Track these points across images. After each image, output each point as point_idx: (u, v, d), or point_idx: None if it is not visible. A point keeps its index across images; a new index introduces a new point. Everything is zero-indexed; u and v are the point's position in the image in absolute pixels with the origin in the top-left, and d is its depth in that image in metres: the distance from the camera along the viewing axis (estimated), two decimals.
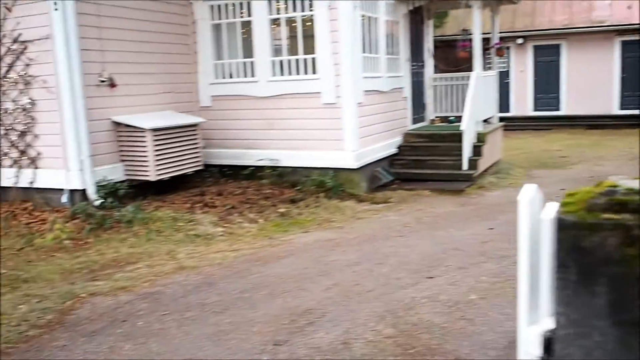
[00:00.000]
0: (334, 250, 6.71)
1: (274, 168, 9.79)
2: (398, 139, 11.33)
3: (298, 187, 9.39)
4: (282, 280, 5.73)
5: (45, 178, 8.51)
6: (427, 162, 10.78)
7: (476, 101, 10.79)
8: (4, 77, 8.58)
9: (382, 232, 7.46)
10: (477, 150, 10.71)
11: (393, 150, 11.05)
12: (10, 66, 8.52)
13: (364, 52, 9.81)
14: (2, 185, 8.86)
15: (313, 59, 9.55)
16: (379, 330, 4.50)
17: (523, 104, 20.15)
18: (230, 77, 10.32)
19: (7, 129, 8.71)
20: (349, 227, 7.82)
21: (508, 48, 19.31)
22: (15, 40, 8.40)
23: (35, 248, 7.51)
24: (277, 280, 5.72)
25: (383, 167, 10.55)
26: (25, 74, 8.41)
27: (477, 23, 11.11)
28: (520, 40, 19.74)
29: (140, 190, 8.95)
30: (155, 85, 9.62)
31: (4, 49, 8.51)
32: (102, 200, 8.23)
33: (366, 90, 9.89)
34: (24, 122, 8.55)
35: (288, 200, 8.96)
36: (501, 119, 13.57)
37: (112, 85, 8.72)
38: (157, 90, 9.66)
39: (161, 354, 4.29)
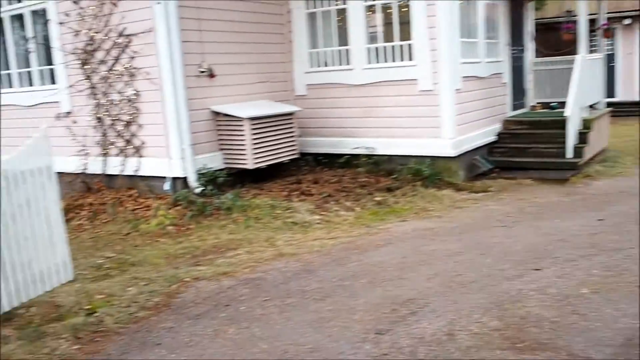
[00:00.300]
0: (433, 239, 6.57)
1: (369, 156, 9.71)
2: (497, 126, 10.97)
3: (394, 176, 9.27)
4: (381, 268, 5.66)
5: (149, 166, 8.81)
6: (528, 150, 10.37)
7: (581, 86, 10.27)
8: (111, 69, 8.94)
9: (482, 222, 7.24)
10: (582, 138, 10.20)
11: (492, 137, 10.70)
12: (116, 59, 8.86)
13: (462, 37, 9.53)
14: (109, 173, 9.26)
15: (409, 45, 9.37)
16: (485, 322, 4.35)
17: (630, 88, 19.03)
18: (325, 65, 10.30)
19: (113, 120, 9.08)
20: (447, 217, 7.63)
21: (614, 29, 18.27)
22: (120, 34, 8.72)
23: (140, 233, 7.80)
24: (376, 269, 5.66)
25: (481, 155, 10.24)
26: (130, 66, 8.72)
27: (582, 3, 10.54)
28: (627, 21, 18.64)
29: (239, 178, 9.11)
30: (251, 75, 9.75)
31: (110, 43, 8.86)
32: (203, 188, 8.43)
33: (464, 77, 9.61)
34: (129, 112, 8.88)
35: (384, 188, 8.87)
36: (608, 105, 12.87)
37: (211, 75, 8.90)
38: (254, 80, 9.79)
39: (264, 338, 4.32)
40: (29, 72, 10.35)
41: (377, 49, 9.74)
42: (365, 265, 5.80)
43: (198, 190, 8.42)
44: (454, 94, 9.24)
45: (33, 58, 10.15)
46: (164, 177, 8.63)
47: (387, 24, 9.67)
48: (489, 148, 10.61)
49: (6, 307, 4.80)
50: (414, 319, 4.48)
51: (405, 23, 9.37)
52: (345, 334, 4.32)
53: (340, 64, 10.08)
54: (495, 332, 4.19)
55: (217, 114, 8.99)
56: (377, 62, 9.73)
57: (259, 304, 5.00)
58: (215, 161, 8.95)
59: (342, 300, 4.95)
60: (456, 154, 9.33)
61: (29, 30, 10.04)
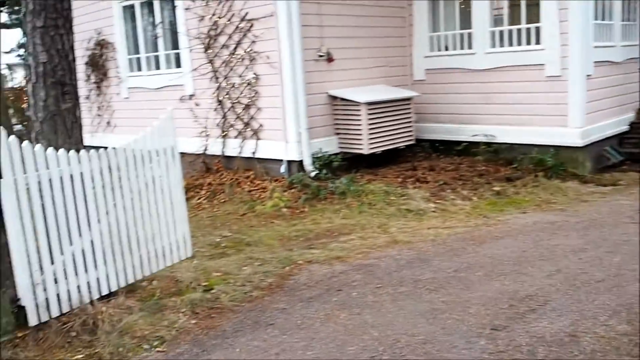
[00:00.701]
0: (555, 233, 6.21)
1: (488, 144, 9.35)
2: (630, 115, 10.21)
3: (514, 165, 8.88)
4: (498, 262, 5.42)
5: (266, 149, 8.98)
6: None
7: None
8: (232, 53, 9.16)
9: (610, 217, 6.76)
10: None
11: (623, 127, 9.97)
12: (238, 43, 9.06)
13: (595, 18, 8.91)
14: (228, 154, 9.53)
15: (537, 28, 8.88)
16: (612, 325, 4.04)
17: None
18: (446, 49, 10.01)
19: (233, 103, 9.31)
20: (572, 210, 7.20)
21: None
22: (242, 19, 8.90)
23: (256, 214, 7.97)
24: (493, 262, 5.43)
25: (611, 146, 9.58)
26: (250, 50, 8.89)
27: None
28: None
29: (353, 163, 9.08)
30: (369, 59, 9.65)
31: (232, 27, 9.07)
32: (317, 172, 8.47)
33: (596, 62, 8.99)
34: (248, 95, 9.08)
35: (503, 178, 8.51)
36: None
37: (330, 59, 8.90)
38: (371, 64, 9.69)
39: (375, 326, 4.26)
40: (156, 57, 10.83)
41: (501, 32, 9.32)
42: (482, 257, 5.58)
43: (313, 173, 8.47)
44: (584, 80, 8.67)
45: (160, 43, 10.60)
46: (280, 160, 8.75)
47: (514, 5, 9.22)
48: (620, 139, 9.90)
49: (131, 279, 5.04)
50: (533, 317, 4.24)
51: (533, 5, 8.89)
52: (460, 327, 4.16)
53: (462, 48, 9.75)
54: (624, 336, 3.88)
55: (334, 98, 8.98)
56: (501, 46, 9.31)
57: (371, 290, 4.93)
58: (330, 145, 8.96)
59: (456, 292, 4.78)
60: (584, 144, 8.77)
61: (157, 16, 10.48)
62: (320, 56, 8.80)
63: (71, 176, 4.49)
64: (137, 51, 11.25)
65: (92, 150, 4.67)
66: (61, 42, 4.68)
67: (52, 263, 4.41)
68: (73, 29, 4.90)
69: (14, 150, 4.11)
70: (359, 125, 8.75)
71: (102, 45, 11.82)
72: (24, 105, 23.92)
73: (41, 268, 4.35)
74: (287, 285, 5.22)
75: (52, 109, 4.71)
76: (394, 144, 9.20)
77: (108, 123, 12.14)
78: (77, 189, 4.54)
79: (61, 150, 4.42)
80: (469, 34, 9.61)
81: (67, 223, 4.49)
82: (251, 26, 8.83)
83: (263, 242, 6.68)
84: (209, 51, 9.51)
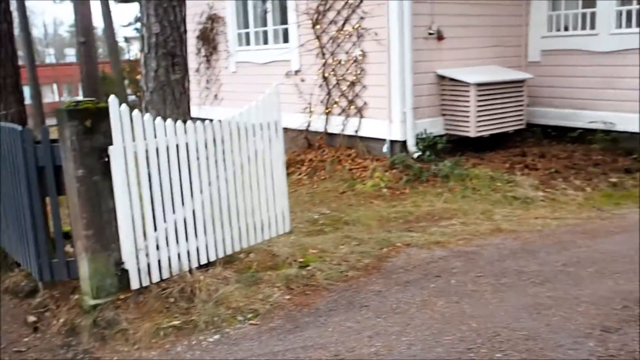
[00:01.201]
0: None
1: (607, 132, 8.74)
2: None
3: (635, 156, 8.26)
4: (612, 258, 5.04)
5: (369, 127, 8.85)
6: None
7: None
8: (340, 29, 9.05)
9: None
10: None
11: None
12: (346, 19, 8.94)
13: None
14: (330, 131, 9.48)
15: None
16: None
17: None
18: (566, 29, 9.42)
19: (338, 79, 9.23)
20: None
21: None
22: None
23: (355, 193, 7.89)
24: (606, 258, 5.06)
25: None
26: (359, 26, 8.75)
27: None
28: None
29: (457, 146, 8.79)
30: (480, 39, 9.24)
31: (341, 3, 8.95)
32: (420, 153, 8.26)
33: None
34: (354, 73, 8.96)
35: (622, 169, 7.94)
36: None
37: (440, 38, 8.60)
38: (483, 44, 9.28)
39: (474, 317, 4.07)
40: (264, 32, 10.91)
41: (629, 11, 8.63)
42: (594, 252, 5.22)
43: (416, 155, 8.27)
44: None
45: (269, 18, 10.65)
46: (383, 140, 8.61)
47: None
48: None
49: (229, 251, 5.10)
50: None
51: None
52: (566, 325, 3.90)
53: (584, 29, 9.13)
54: None
55: (442, 77, 8.70)
56: (629, 26, 8.64)
57: (471, 279, 4.73)
58: (435, 126, 8.71)
59: (564, 287, 4.49)
60: None
61: None
62: (430, 34, 8.52)
63: (177, 146, 4.57)
64: (246, 26, 11.39)
65: (198, 122, 4.72)
66: (173, 13, 4.76)
67: (155, 230, 4.53)
68: (185, 1, 4.97)
69: (124, 118, 4.22)
70: (467, 106, 8.43)
71: (213, 19, 12.05)
72: (138, 77, 25.07)
73: (144, 234, 4.47)
74: (383, 267, 5.11)
75: (162, 79, 4.81)
76: (502, 127, 8.81)
77: (215, 96, 12.41)
78: (182, 159, 4.62)
79: (169, 121, 4.50)
80: (592, 13, 8.98)
81: (171, 192, 4.58)
82: (360, 2, 8.67)
83: (361, 222, 6.60)
84: (317, 27, 9.46)
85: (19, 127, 4.47)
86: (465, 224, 6.25)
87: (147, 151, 4.39)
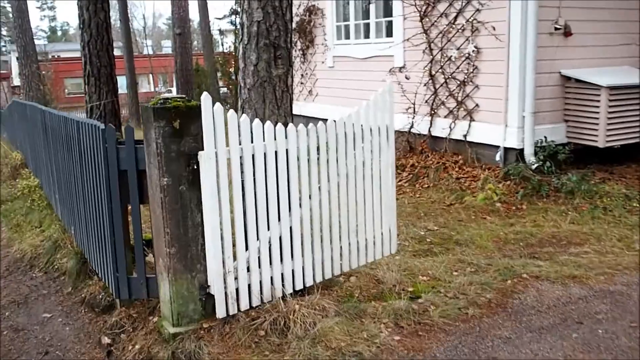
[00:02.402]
0: None
1: None
2: None
3: None
4: None
5: (480, 132, 7.96)
6: None
7: None
8: (452, 23, 8.20)
9: None
10: None
11: None
12: (459, 11, 8.08)
13: None
14: (434, 134, 8.66)
15: None
16: None
17: None
18: None
19: (447, 78, 8.39)
20: None
21: None
22: None
23: (464, 206, 7.05)
24: None
25: None
26: (473, 19, 7.88)
27: None
28: None
29: (581, 157, 7.74)
30: (614, 35, 8.12)
31: None
32: (539, 164, 7.31)
33: None
34: (465, 71, 8.10)
35: None
36: None
37: (567, 33, 7.58)
38: (615, 42, 8.15)
39: None
40: (366, 24, 10.18)
41: None
42: None
43: (534, 165, 7.32)
44: None
45: (372, 10, 9.91)
46: (496, 146, 7.70)
47: None
48: None
49: (328, 275, 4.43)
50: None
51: None
52: None
53: None
54: None
55: (567, 79, 7.68)
56: None
57: (623, 330, 3.84)
58: (556, 134, 7.70)
59: None
60: None
61: None
62: (557, 29, 7.51)
63: (276, 153, 3.93)
64: (346, 18, 10.70)
65: (301, 125, 4.05)
66: None
67: (247, 249, 3.91)
68: None
69: (217, 119, 3.60)
70: (597, 112, 7.38)
71: (311, 11, 11.44)
72: (231, 69, 24.90)
73: (234, 254, 3.86)
74: (510, 305, 4.28)
75: (263, 74, 4.16)
76: (637, 137, 7.69)
77: (310, 92, 11.81)
78: (281, 168, 3.97)
79: (268, 123, 3.85)
80: None
81: (267, 205, 3.94)
82: None
83: (475, 243, 5.77)
84: (425, 20, 8.63)
85: (101, 125, 3.96)
86: (602, 253, 5.30)
87: (241, 158, 3.77)
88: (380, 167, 4.69)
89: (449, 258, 5.29)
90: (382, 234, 4.83)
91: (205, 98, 3.53)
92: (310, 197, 4.20)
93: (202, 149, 3.59)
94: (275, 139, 3.91)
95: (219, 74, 25.66)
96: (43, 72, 25.80)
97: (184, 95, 3.64)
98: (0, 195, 9.18)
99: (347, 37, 10.66)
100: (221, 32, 29.27)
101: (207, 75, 24.79)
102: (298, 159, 4.06)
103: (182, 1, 18.07)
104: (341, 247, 4.50)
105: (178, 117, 3.50)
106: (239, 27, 4.27)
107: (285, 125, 3.95)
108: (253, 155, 3.81)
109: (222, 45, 28.17)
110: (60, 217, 6.59)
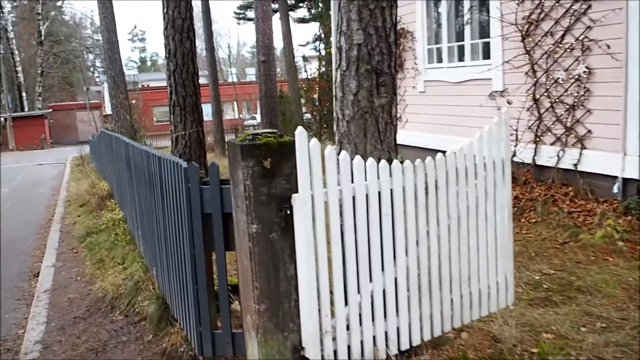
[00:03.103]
0: None
1: None
2: None
3: None
4: None
5: (593, 161, 7.17)
6: None
7: None
8: (559, 42, 7.49)
9: None
10: None
11: None
12: (567, 29, 7.36)
13: None
14: (539, 163, 7.91)
15: None
16: None
17: None
18: None
19: (553, 102, 7.65)
20: None
21: None
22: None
23: (580, 245, 6.27)
24: None
25: None
26: (584, 37, 7.14)
27: None
28: None
29: None
30: None
31: (562, 10, 7.40)
32: None
33: None
34: (575, 94, 7.34)
35: None
36: None
37: None
38: None
39: None
40: (460, 47, 9.59)
41: None
42: None
43: None
44: None
45: (467, 31, 9.31)
46: (613, 177, 6.88)
47: None
48: None
49: (437, 332, 3.84)
50: None
51: None
52: None
53: None
54: None
55: None
56: None
57: None
58: None
59: None
60: None
61: (466, 1, 9.21)
62: None
63: (379, 194, 3.41)
64: (438, 41, 10.14)
65: (407, 162, 3.52)
66: (382, 18, 3.59)
67: (346, 305, 3.39)
68: (397, 2, 3.79)
69: (314, 157, 3.12)
70: None
71: (401, 34, 10.94)
72: (315, 95, 24.73)
73: (332, 311, 3.34)
74: None
75: (364, 104, 3.66)
76: None
77: (399, 118, 11.27)
78: (385, 210, 3.44)
79: (370, 160, 3.34)
80: None
81: (369, 254, 3.42)
82: (588, 8, 7.07)
83: (600, 290, 5.01)
84: (527, 40, 7.95)
85: (184, 164, 3.57)
86: None
87: (340, 200, 3.27)
88: (495, 207, 4.08)
89: (572, 309, 4.58)
90: (497, 282, 4.20)
91: (301, 133, 3.05)
92: (417, 244, 3.64)
93: (296, 191, 3.11)
94: (378, 178, 3.39)
95: (302, 100, 25.57)
96: (133, 101, 26.54)
97: (274, 130, 3.18)
98: (88, 227, 9.11)
99: (440, 60, 10.09)
100: (305, 59, 29.27)
101: (291, 102, 24.75)
102: (404, 200, 3.52)
103: (266, 29, 18.02)
104: (452, 300, 3.91)
105: (269, 155, 3.04)
106: (335, 51, 3.79)
107: (390, 161, 3.43)
108: (353, 197, 3.31)
109: (306, 71, 28.13)
110: (142, 255, 6.31)
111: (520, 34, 8.05)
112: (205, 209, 3.49)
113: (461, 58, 9.61)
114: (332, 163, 3.20)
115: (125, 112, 16.67)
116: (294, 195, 3.11)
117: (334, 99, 3.93)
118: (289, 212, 3.12)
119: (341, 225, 3.31)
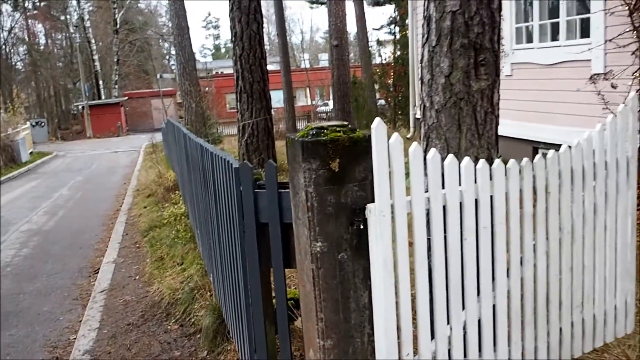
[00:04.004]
0: None
1: None
2: None
3: None
4: None
5: None
6: None
7: None
8: None
9: None
10: None
11: None
12: None
13: None
14: None
15: None
16: None
17: None
18: None
19: None
20: None
21: None
22: None
23: None
24: None
25: None
26: None
27: None
28: None
29: None
30: None
31: None
32: None
33: None
34: None
35: None
36: None
37: None
38: None
39: None
40: (553, 24, 8.63)
41: None
42: None
43: None
44: None
45: (562, 6, 8.34)
46: None
47: None
48: None
49: None
50: None
51: None
52: None
53: None
54: None
55: None
56: None
57: None
58: None
59: None
60: None
61: None
62: None
63: (475, 202, 2.72)
64: (527, 18, 9.20)
65: (512, 162, 2.80)
66: None
67: (432, 338, 2.73)
68: None
69: (395, 158, 2.46)
70: None
71: None
72: (389, 81, 23.85)
73: (415, 348, 2.69)
74: None
75: (458, 89, 2.94)
76: None
77: None
78: (483, 222, 2.75)
79: (466, 161, 2.65)
80: None
81: (462, 277, 2.74)
82: None
83: None
84: (635, 14, 6.95)
85: (235, 163, 2.98)
86: None
87: (428, 211, 2.60)
88: (617, 215, 3.31)
89: None
90: (615, 307, 3.43)
91: (378, 126, 2.38)
92: (521, 262, 2.93)
93: (372, 201, 2.45)
94: (475, 182, 2.70)
95: (376, 86, 24.79)
96: (207, 89, 26.44)
97: (344, 122, 2.52)
98: (152, 220, 8.76)
99: (529, 40, 9.15)
100: (379, 43, 28.40)
101: (365, 88, 24.00)
102: (507, 209, 2.81)
103: (339, 11, 17.36)
104: (561, 329, 3.18)
105: (338, 154, 2.38)
106: (423, 22, 3.09)
107: (490, 161, 2.72)
108: (445, 207, 2.63)
109: (380, 56, 27.27)
110: (201, 256, 5.82)
111: (627, 8, 7.05)
112: (260, 217, 2.89)
113: (555, 37, 8.64)
114: (418, 164, 2.53)
115: (193, 99, 16.38)
116: (369, 206, 2.45)
117: (419, 82, 3.24)
118: (362, 226, 2.47)
119: (429, 240, 2.64)
